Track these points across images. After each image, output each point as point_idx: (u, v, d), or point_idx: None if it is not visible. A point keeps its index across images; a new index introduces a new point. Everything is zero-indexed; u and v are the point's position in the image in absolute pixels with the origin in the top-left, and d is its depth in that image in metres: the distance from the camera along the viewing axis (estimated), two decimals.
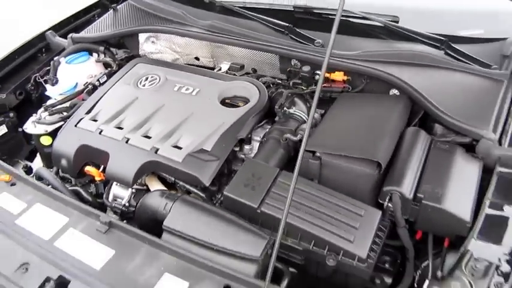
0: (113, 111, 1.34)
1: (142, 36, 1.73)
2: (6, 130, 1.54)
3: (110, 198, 1.26)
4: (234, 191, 1.08)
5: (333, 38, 0.83)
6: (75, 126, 1.33)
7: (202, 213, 1.04)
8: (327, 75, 1.39)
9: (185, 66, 1.60)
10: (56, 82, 1.59)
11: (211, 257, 0.96)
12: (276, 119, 1.33)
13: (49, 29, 1.80)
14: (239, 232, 0.99)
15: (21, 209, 1.12)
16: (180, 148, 1.19)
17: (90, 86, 1.54)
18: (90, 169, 1.27)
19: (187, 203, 1.07)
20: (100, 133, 1.28)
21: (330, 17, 1.53)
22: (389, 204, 1.07)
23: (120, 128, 1.28)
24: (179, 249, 0.97)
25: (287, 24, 1.51)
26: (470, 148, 1.18)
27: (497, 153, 1.11)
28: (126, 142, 1.24)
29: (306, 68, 1.41)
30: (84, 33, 1.74)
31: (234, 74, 1.51)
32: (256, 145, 1.29)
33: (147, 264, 0.97)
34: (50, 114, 1.47)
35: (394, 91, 1.35)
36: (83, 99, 1.52)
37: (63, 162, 1.29)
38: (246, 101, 1.34)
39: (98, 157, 1.26)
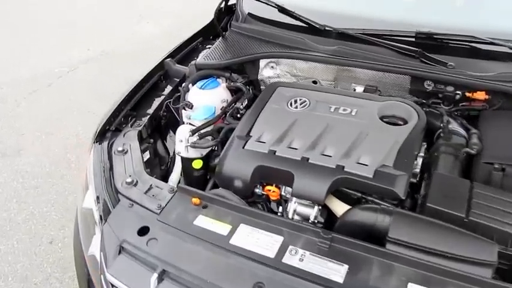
0: (277, 133, 1.39)
1: (262, 62, 1.80)
2: (149, 156, 1.56)
3: (290, 215, 1.30)
4: (437, 202, 1.14)
5: None
6: (243, 148, 1.37)
7: (421, 223, 1.09)
8: (469, 94, 1.50)
9: (325, 88, 1.68)
10: (191, 106, 1.63)
11: (443, 264, 1.02)
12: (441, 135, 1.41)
13: (166, 58, 1.85)
14: (466, 238, 1.05)
15: (228, 230, 1.15)
16: (365, 165, 1.25)
17: (233, 110, 1.59)
18: (272, 188, 1.31)
19: (404, 215, 1.12)
20: (274, 153, 1.33)
21: (453, 42, 1.65)
22: None
23: (294, 149, 1.33)
24: (415, 258, 1.03)
25: (417, 49, 1.61)
26: None
27: None
28: (307, 161, 1.29)
29: (450, 88, 1.51)
30: (205, 60, 1.80)
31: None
32: (419, 160, 1.36)
33: (386, 275, 1.01)
34: (200, 138, 1.50)
35: None
36: (225, 123, 1.57)
37: (237, 183, 1.33)
38: (404, 119, 1.41)
39: (277, 177, 1.31)
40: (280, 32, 1.85)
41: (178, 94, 1.70)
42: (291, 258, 1.06)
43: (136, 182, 1.33)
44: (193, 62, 1.79)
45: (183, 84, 1.73)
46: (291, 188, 1.27)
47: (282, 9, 1.92)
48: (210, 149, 1.50)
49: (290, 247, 1.09)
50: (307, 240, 1.10)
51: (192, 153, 1.48)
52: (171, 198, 1.27)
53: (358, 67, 1.66)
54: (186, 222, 1.19)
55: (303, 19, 1.85)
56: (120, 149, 1.46)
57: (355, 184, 1.24)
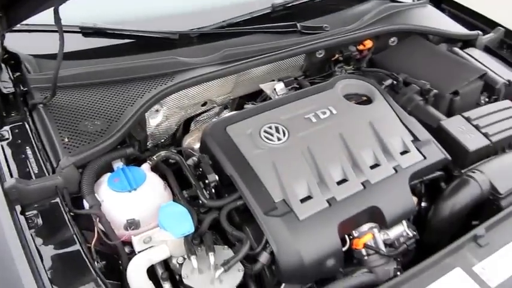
0: (307, 177, 1.05)
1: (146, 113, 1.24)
2: None
3: (383, 248, 1.07)
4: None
5: None
6: (300, 220, 0.98)
7: None
8: (361, 47, 1.55)
9: (269, 102, 1.30)
10: (138, 224, 0.99)
11: None
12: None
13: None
14: None
15: None
16: (406, 152, 1.15)
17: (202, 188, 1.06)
18: (366, 237, 1.04)
19: None
20: (336, 200, 1.02)
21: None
22: None
23: (345, 181, 1.06)
24: None
25: (293, 23, 1.50)
26: None
27: None
28: (372, 184, 1.06)
29: (353, 48, 1.51)
30: (77, 155, 1.05)
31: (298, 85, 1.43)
32: None
33: None
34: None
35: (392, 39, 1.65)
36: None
37: (330, 262, 0.97)
38: (365, 95, 1.33)
39: (361, 220, 1.06)
40: (122, 63, 1.31)
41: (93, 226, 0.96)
42: None
43: None
44: (67, 163, 1.02)
45: (87, 203, 0.99)
46: (381, 221, 1.05)
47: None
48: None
49: None
50: None
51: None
52: None
53: (261, 65, 1.40)
54: None
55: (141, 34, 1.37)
56: None
57: (420, 174, 1.15)
